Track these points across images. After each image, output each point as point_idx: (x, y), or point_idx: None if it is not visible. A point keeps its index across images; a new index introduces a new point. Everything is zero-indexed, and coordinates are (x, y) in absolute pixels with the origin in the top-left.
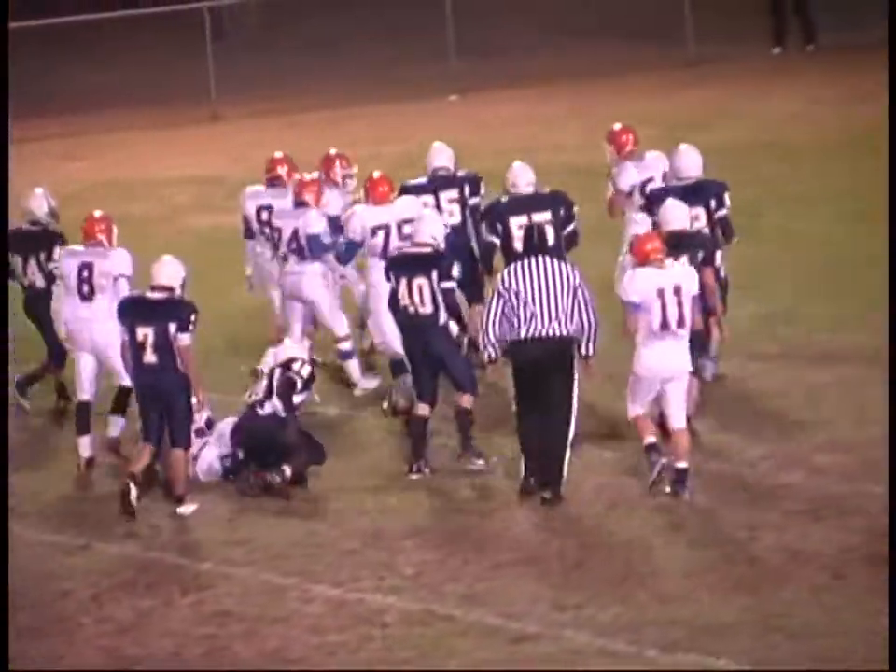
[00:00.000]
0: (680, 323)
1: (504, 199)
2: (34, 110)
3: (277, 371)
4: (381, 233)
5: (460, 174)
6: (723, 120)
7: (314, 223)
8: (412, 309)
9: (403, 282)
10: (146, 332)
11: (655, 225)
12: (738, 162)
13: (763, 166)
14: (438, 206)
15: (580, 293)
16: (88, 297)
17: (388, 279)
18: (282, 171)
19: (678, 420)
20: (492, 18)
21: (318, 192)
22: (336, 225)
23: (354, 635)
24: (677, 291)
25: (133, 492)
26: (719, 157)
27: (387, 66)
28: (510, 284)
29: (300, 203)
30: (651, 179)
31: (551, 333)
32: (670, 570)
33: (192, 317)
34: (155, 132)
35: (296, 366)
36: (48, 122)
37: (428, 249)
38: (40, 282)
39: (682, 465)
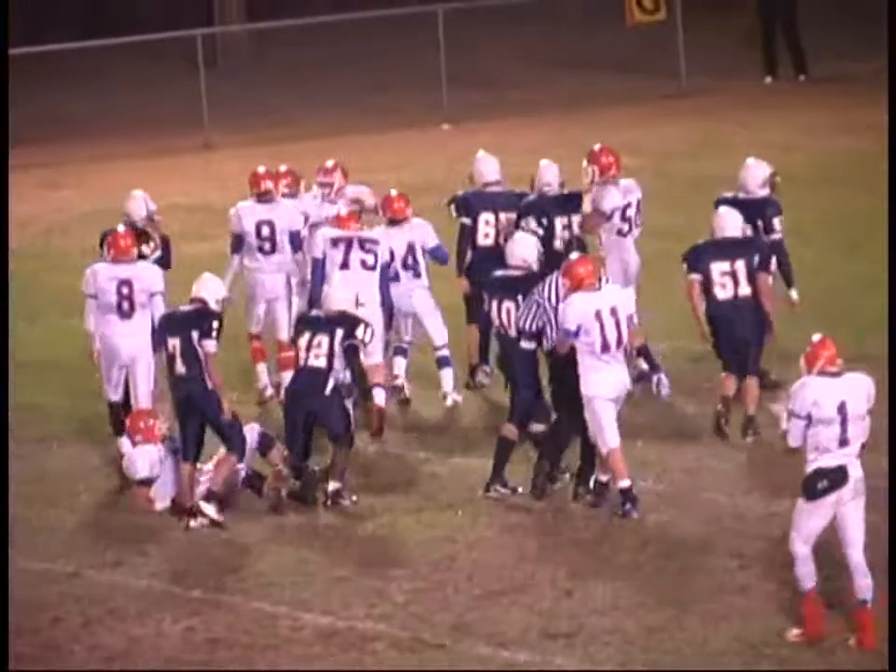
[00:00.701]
0: (619, 343)
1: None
2: (23, 138)
3: (339, 334)
4: (342, 245)
5: (571, 193)
6: (714, 150)
7: (431, 236)
8: (502, 330)
9: (495, 303)
10: (174, 343)
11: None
12: (729, 192)
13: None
14: (552, 231)
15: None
16: (128, 314)
17: (483, 299)
18: (269, 185)
19: (613, 440)
20: (485, 48)
21: (406, 205)
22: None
23: (344, 662)
24: (613, 312)
25: (198, 521)
26: (709, 187)
27: (380, 95)
28: (547, 294)
29: (396, 221)
30: (629, 205)
31: None
32: (660, 599)
33: (214, 324)
34: (147, 160)
35: (359, 332)
36: (37, 150)
37: (519, 272)
38: None
39: (626, 483)
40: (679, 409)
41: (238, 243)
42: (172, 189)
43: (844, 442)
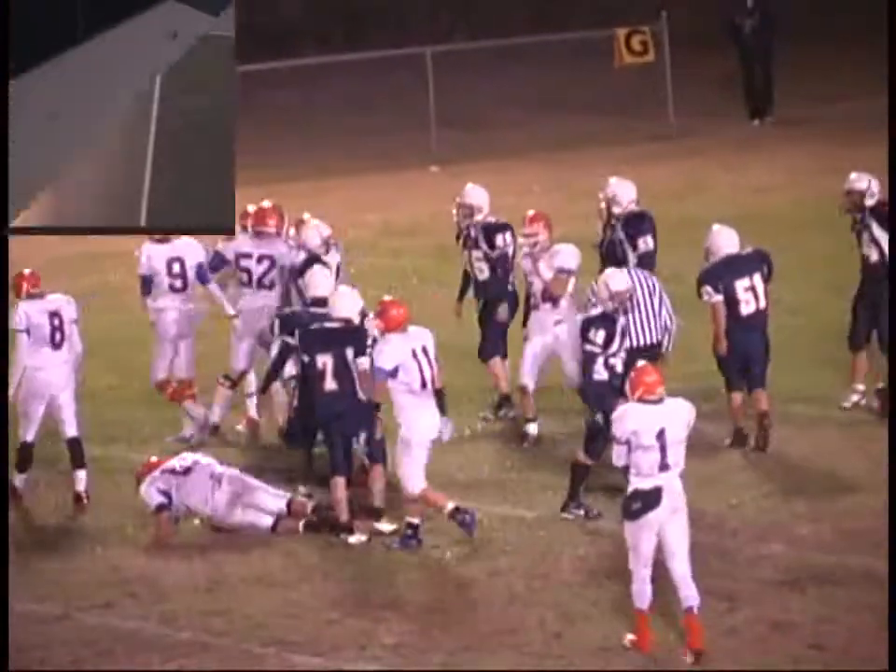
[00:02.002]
0: (432, 382)
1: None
2: None
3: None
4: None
5: (643, 212)
6: (699, 192)
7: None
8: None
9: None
10: (324, 360)
11: None
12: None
13: (739, 237)
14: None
15: (665, 299)
16: (59, 344)
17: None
18: None
19: (420, 484)
20: (473, 89)
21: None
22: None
23: None
24: (424, 351)
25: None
26: (696, 228)
27: (368, 137)
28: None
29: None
30: None
31: (648, 341)
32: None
33: (368, 342)
34: None
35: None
36: None
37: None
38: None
39: (416, 521)
40: None
41: (148, 284)
42: None
43: (664, 467)
